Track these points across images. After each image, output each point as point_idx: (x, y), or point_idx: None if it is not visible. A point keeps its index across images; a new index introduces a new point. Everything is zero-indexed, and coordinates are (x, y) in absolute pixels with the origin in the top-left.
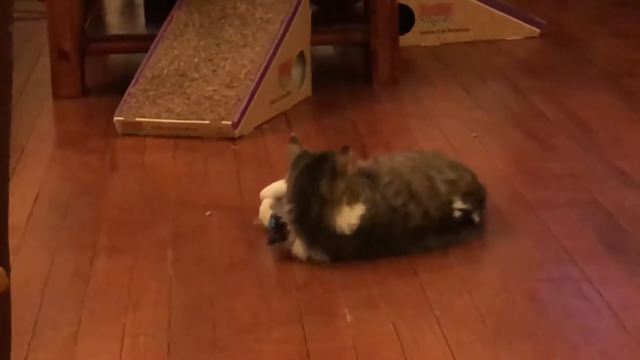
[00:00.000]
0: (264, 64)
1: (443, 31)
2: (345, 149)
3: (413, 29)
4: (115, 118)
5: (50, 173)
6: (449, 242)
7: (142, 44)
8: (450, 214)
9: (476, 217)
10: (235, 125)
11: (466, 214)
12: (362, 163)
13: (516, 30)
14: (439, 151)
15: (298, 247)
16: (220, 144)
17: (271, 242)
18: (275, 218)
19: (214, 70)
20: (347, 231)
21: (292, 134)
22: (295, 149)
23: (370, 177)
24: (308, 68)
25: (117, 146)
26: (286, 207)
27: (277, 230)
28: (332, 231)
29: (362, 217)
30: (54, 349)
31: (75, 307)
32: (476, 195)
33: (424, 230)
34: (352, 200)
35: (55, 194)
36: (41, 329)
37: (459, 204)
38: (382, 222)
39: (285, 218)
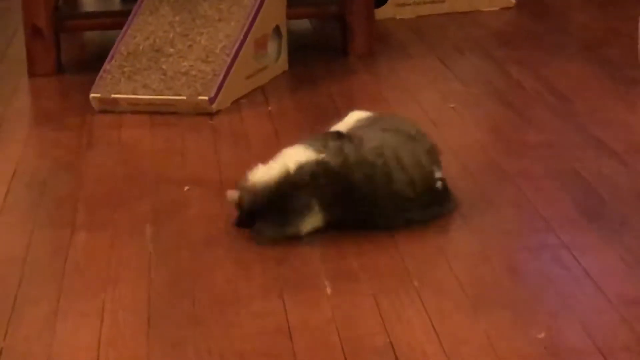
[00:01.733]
0: (240, 38)
1: (418, 3)
2: None
3: (389, 1)
4: (92, 95)
5: (27, 151)
6: (433, 214)
7: (117, 20)
8: (433, 185)
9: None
10: (212, 100)
11: (443, 182)
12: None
13: (492, 1)
14: (394, 114)
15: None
16: (198, 119)
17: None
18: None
19: (190, 46)
20: (291, 170)
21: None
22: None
23: (350, 139)
24: (284, 42)
25: (94, 123)
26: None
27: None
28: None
29: (318, 162)
30: (34, 326)
31: (54, 284)
32: (438, 159)
33: (409, 200)
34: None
35: (33, 172)
36: (21, 305)
37: (438, 174)
38: (355, 174)
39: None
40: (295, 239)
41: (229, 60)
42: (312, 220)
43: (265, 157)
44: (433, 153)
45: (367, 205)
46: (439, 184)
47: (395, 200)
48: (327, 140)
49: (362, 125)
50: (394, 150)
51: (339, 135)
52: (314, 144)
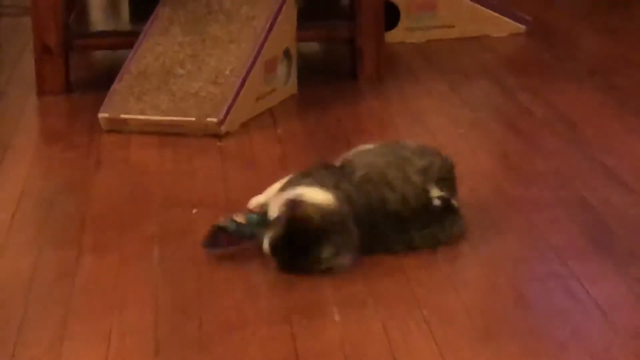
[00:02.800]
0: (250, 60)
1: (428, 28)
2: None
3: (399, 25)
4: (100, 115)
5: (34, 170)
6: (435, 235)
7: (126, 40)
8: (429, 203)
9: (455, 203)
10: (220, 122)
11: (444, 201)
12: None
13: (502, 26)
14: (401, 140)
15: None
16: (206, 141)
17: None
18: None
19: (200, 67)
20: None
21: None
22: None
23: (343, 169)
24: (294, 65)
25: (102, 143)
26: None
27: (209, 235)
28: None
29: (330, 203)
30: (40, 348)
31: (61, 306)
32: (449, 180)
33: (405, 220)
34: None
35: (40, 191)
36: (27, 327)
37: (435, 192)
38: (358, 206)
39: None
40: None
41: (238, 82)
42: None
43: (274, 180)
44: (429, 171)
45: (366, 231)
46: (436, 202)
47: (392, 221)
48: (333, 180)
49: (359, 153)
50: (381, 172)
51: (334, 170)
52: (323, 182)
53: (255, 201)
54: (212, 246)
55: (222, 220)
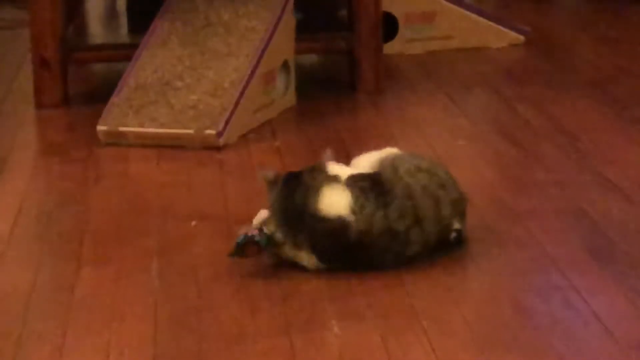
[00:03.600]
0: (248, 72)
1: (427, 39)
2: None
3: (397, 37)
4: (99, 127)
5: (33, 183)
6: (437, 256)
7: (124, 52)
8: (447, 237)
9: (463, 232)
10: (219, 134)
11: (459, 233)
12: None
13: (500, 37)
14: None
15: (288, 251)
16: (205, 153)
17: (232, 254)
18: (246, 235)
19: (198, 79)
20: (331, 214)
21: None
22: (269, 175)
23: (382, 191)
24: (292, 76)
25: (101, 156)
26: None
27: (242, 247)
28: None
29: (351, 224)
30: None
31: (60, 319)
32: (463, 210)
33: (419, 255)
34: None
35: (39, 205)
36: (26, 341)
37: (456, 225)
38: (375, 242)
39: (268, 228)
40: (303, 277)
41: (237, 94)
42: None
43: None
44: (459, 204)
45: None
46: (453, 235)
47: (406, 258)
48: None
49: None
50: (417, 206)
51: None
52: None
53: (260, 217)
54: (239, 256)
55: (253, 232)
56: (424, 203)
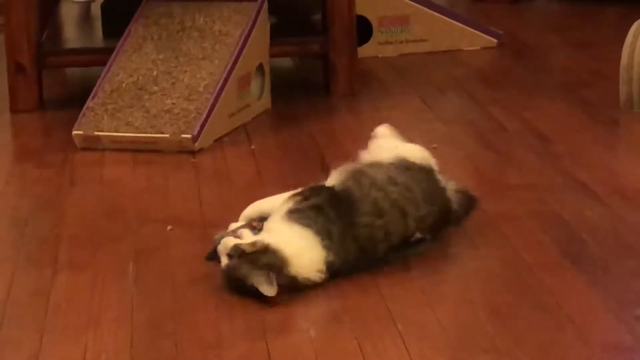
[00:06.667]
0: (223, 76)
1: (401, 42)
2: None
3: (371, 40)
4: (74, 132)
5: (8, 188)
6: (405, 254)
7: (100, 57)
8: (408, 239)
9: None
10: (194, 138)
11: (422, 240)
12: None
13: (473, 40)
14: (431, 169)
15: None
16: (180, 157)
17: (208, 258)
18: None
19: (173, 84)
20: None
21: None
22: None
23: (348, 206)
24: (267, 80)
25: (76, 160)
26: None
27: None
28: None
29: (329, 263)
30: None
31: (36, 325)
32: (442, 223)
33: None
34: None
35: (14, 210)
36: (2, 348)
37: (418, 235)
38: (350, 261)
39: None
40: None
41: (212, 98)
42: None
43: (248, 196)
44: (426, 220)
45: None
46: (414, 238)
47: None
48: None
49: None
50: (385, 226)
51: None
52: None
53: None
54: (216, 260)
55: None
56: (391, 218)
